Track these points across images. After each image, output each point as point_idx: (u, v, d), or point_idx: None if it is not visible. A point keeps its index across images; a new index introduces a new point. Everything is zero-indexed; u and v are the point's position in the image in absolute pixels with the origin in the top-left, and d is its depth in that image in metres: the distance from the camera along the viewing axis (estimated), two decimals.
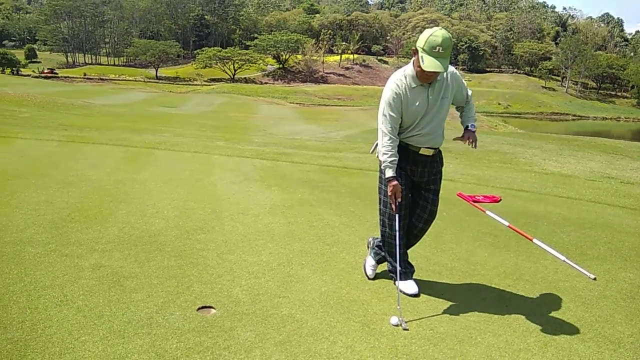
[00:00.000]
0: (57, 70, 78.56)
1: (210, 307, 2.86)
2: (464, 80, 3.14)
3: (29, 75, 67.44)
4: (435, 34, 2.77)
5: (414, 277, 3.33)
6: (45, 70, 76.03)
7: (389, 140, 3.00)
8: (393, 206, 3.04)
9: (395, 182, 2.99)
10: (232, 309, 2.85)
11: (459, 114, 3.25)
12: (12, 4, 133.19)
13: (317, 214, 4.95)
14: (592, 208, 6.01)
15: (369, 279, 3.43)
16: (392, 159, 3.00)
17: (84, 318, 2.64)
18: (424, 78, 2.90)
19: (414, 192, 3.20)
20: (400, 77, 2.99)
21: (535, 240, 4.36)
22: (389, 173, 3.00)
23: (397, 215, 3.06)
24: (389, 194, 3.01)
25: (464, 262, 3.84)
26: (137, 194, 5.27)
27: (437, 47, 2.74)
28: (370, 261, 3.47)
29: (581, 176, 8.44)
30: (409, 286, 3.20)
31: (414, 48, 2.90)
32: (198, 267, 3.41)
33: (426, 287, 3.30)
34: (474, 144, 3.14)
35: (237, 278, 3.27)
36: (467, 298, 3.20)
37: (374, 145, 3.27)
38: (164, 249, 3.72)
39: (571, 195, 6.62)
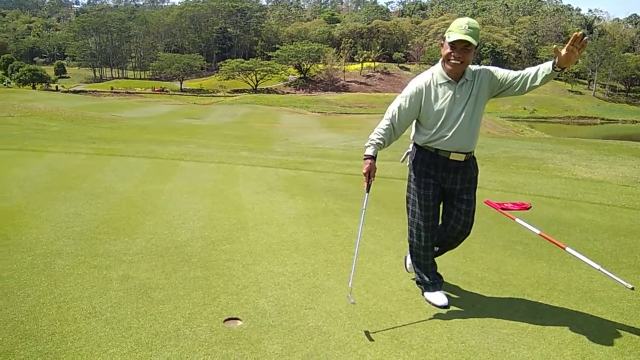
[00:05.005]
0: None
1: (236, 318, 2.84)
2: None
3: (58, 91, 69.55)
4: (461, 18, 2.85)
5: (442, 287, 3.25)
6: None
7: (387, 125, 2.97)
8: (365, 184, 2.99)
9: (370, 161, 2.94)
10: (258, 320, 2.82)
11: (539, 81, 2.81)
12: (43, 22, 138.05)
13: (342, 223, 4.91)
14: (626, 214, 5.81)
15: (407, 272, 3.54)
16: (379, 141, 2.96)
17: (112, 330, 2.65)
18: (452, 68, 2.84)
19: (446, 202, 3.12)
20: (427, 75, 2.97)
21: (568, 249, 4.21)
22: (369, 151, 2.96)
23: (366, 195, 3.03)
24: (364, 171, 2.95)
25: (494, 272, 3.74)
26: (163, 205, 5.33)
27: (464, 25, 2.76)
28: (409, 259, 3.42)
29: (613, 181, 8.18)
30: (438, 297, 3.12)
31: (441, 41, 2.91)
32: (224, 278, 3.41)
33: (456, 298, 3.22)
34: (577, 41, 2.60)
35: (263, 289, 3.25)
36: (499, 309, 3.10)
37: (405, 153, 3.21)
38: (190, 259, 3.73)
39: (604, 202, 6.41)
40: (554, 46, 2.73)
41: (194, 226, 4.58)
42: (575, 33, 2.61)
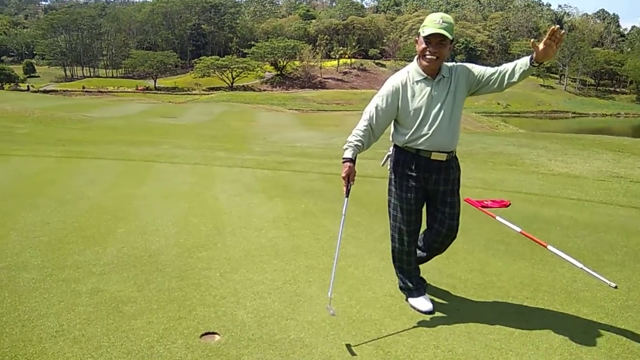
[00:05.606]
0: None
1: (214, 333, 2.70)
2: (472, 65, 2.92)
3: (29, 90, 67.60)
4: (435, 13, 2.77)
5: (427, 291, 3.17)
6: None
7: (364, 126, 2.87)
8: (344, 189, 2.89)
9: (350, 164, 2.84)
10: (237, 334, 2.69)
11: (517, 77, 2.74)
12: (10, 20, 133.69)
13: (322, 226, 4.80)
14: (604, 210, 5.85)
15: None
16: (357, 143, 2.86)
17: (81, 350, 2.49)
18: (427, 64, 2.75)
19: (429, 205, 3.03)
20: (402, 73, 2.89)
21: (549, 247, 4.21)
22: (347, 154, 2.86)
23: (345, 199, 2.92)
24: (343, 175, 2.85)
25: (478, 273, 3.68)
26: (136, 211, 5.13)
27: (438, 19, 2.70)
28: None
29: (589, 176, 8.27)
30: (422, 303, 3.04)
31: (416, 37, 2.84)
32: (200, 288, 3.26)
33: (440, 303, 3.14)
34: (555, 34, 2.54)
35: (241, 299, 3.12)
36: (485, 313, 3.04)
37: (386, 156, 3.12)
38: (165, 269, 3.56)
39: (582, 197, 6.45)
40: (532, 41, 2.66)
41: (169, 233, 4.41)
42: (553, 27, 2.55)
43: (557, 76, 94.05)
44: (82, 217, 4.83)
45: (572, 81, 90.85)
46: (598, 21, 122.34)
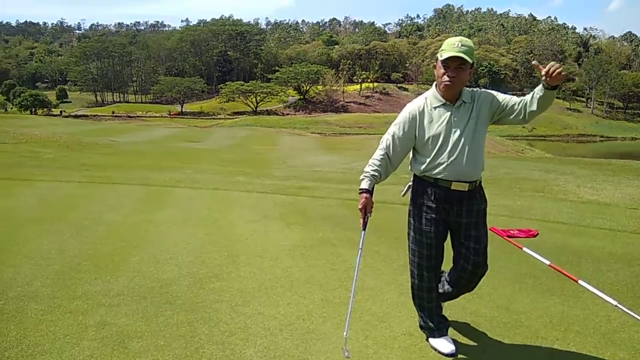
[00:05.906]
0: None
1: None
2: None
3: (61, 115, 70.04)
4: (454, 37, 2.66)
5: (449, 331, 2.97)
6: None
7: (381, 155, 2.78)
8: (361, 221, 2.80)
9: (367, 195, 2.74)
10: None
11: (535, 105, 2.59)
12: (45, 48, 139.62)
13: (339, 255, 4.64)
14: (638, 241, 5.52)
15: None
16: (374, 173, 2.78)
17: None
18: (446, 89, 2.63)
19: (453, 239, 2.84)
20: (420, 100, 2.78)
21: (581, 282, 3.92)
22: (364, 185, 2.78)
23: (362, 232, 2.83)
24: (359, 206, 2.76)
25: (504, 310, 3.45)
26: (151, 238, 5.07)
27: (457, 43, 2.58)
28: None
29: (621, 204, 7.90)
30: (444, 344, 2.84)
31: (434, 62, 2.72)
32: (209, 323, 3.13)
33: (464, 344, 2.94)
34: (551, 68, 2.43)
35: (251, 336, 2.97)
36: (512, 355, 2.82)
37: (406, 187, 2.97)
38: (175, 301, 3.46)
39: (613, 227, 6.13)
40: (533, 62, 2.53)
41: (182, 261, 4.31)
42: (536, 65, 2.47)
43: (584, 99, 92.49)
44: (98, 244, 4.79)
45: (599, 104, 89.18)
46: (625, 44, 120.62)
